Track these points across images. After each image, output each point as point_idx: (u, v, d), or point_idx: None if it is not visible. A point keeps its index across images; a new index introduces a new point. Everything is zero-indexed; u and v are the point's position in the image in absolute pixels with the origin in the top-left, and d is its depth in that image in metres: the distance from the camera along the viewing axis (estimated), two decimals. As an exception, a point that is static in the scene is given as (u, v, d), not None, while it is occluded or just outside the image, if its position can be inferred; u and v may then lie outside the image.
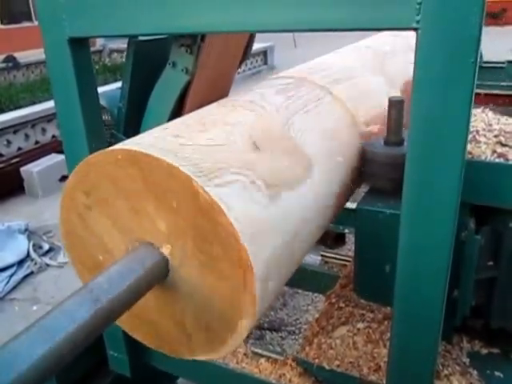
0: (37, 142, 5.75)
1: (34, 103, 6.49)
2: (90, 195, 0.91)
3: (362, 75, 1.55)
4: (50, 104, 6.25)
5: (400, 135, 1.46)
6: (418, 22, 0.81)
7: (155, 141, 0.88)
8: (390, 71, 1.70)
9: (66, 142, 1.39)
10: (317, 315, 2.02)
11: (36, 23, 12.35)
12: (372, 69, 1.63)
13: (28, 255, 3.69)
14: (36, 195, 4.79)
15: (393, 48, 1.89)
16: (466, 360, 1.42)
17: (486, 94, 4.19)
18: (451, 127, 0.86)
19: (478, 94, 4.12)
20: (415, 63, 0.85)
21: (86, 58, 1.29)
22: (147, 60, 1.40)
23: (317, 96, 1.29)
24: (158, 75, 1.36)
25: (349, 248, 3.50)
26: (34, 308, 3.19)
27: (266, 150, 0.98)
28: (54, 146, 5.41)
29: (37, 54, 10.53)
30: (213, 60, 1.35)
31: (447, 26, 0.80)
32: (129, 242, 0.91)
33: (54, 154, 5.14)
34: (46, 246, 3.83)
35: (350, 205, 1.62)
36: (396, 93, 1.65)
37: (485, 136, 1.26)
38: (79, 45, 1.25)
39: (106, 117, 1.53)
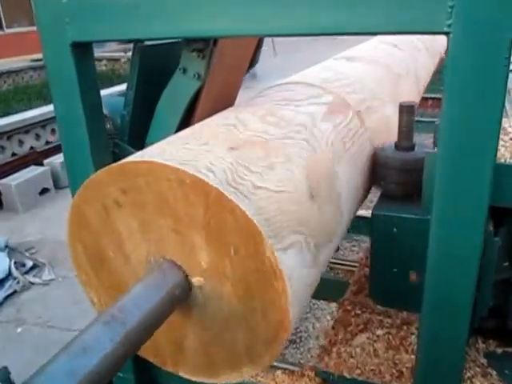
0: (14, 155, 5.52)
1: (8, 114, 6.25)
2: (127, 194, 0.83)
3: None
4: (26, 115, 6.05)
5: (411, 140, 1.46)
6: (449, 25, 0.80)
7: (230, 176, 0.79)
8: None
9: (67, 151, 1.31)
10: (318, 325, 1.98)
11: (7, 31, 11.99)
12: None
13: (10, 274, 3.50)
14: (15, 210, 4.58)
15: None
16: (484, 361, 1.41)
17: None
18: (483, 131, 0.85)
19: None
20: (446, 67, 0.84)
21: (89, 64, 1.23)
22: (154, 66, 1.35)
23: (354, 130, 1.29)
24: (165, 81, 1.31)
25: (342, 253, 3.53)
26: (19, 330, 3.01)
27: (317, 199, 0.95)
28: (33, 158, 5.22)
29: (8, 63, 10.21)
30: (223, 65, 1.31)
31: (479, 29, 0.79)
32: (152, 254, 0.85)
33: (33, 166, 4.96)
34: (30, 263, 3.65)
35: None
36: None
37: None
38: (83, 49, 1.19)
39: (107, 125, 1.46)
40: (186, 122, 1.33)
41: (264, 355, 0.82)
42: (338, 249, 3.73)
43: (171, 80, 1.28)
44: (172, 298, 0.79)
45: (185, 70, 1.24)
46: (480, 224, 0.92)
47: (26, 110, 6.53)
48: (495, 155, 0.87)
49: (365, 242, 3.53)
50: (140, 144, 1.44)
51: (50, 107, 6.53)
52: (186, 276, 0.83)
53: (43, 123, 6.11)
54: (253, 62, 1.50)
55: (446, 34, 0.82)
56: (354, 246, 3.65)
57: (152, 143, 1.13)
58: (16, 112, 6.36)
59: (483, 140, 0.86)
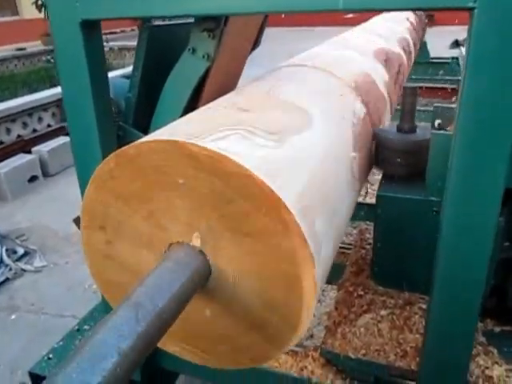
0: (1, 143, 5.41)
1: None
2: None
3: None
4: (13, 103, 5.91)
5: (413, 122, 1.48)
6: (475, 1, 0.79)
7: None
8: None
9: (74, 132, 1.29)
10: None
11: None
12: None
13: (1, 261, 3.45)
14: (5, 198, 4.51)
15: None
16: (483, 339, 1.46)
17: (427, 87, 4.37)
18: (506, 110, 0.83)
19: (421, 88, 4.29)
20: (468, 44, 0.84)
21: (98, 43, 1.21)
22: (161, 46, 1.33)
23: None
24: (172, 63, 1.29)
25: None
26: (13, 317, 2.98)
27: (255, 110, 0.92)
28: (21, 146, 5.13)
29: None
30: (230, 47, 1.30)
31: (507, 5, 0.77)
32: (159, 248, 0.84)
33: (21, 154, 4.88)
34: (21, 251, 3.60)
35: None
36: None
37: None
38: (92, 28, 1.17)
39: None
40: (190, 104, 1.32)
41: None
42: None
43: (179, 60, 1.27)
44: (194, 280, 0.77)
45: (194, 51, 1.22)
46: (496, 204, 0.92)
47: (11, 98, 6.38)
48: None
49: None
50: (145, 127, 1.43)
51: (36, 96, 6.39)
52: (207, 259, 0.81)
53: (30, 111, 6.00)
54: (255, 44, 1.49)
55: (471, 9, 0.80)
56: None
57: (158, 126, 1.11)
58: (2, 100, 6.21)
59: (505, 118, 0.84)
